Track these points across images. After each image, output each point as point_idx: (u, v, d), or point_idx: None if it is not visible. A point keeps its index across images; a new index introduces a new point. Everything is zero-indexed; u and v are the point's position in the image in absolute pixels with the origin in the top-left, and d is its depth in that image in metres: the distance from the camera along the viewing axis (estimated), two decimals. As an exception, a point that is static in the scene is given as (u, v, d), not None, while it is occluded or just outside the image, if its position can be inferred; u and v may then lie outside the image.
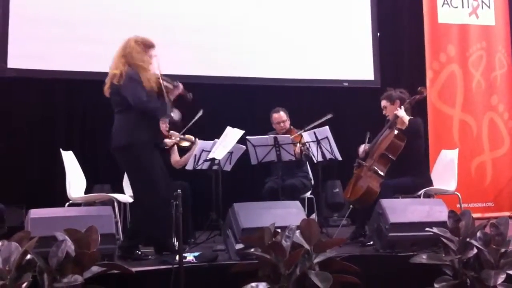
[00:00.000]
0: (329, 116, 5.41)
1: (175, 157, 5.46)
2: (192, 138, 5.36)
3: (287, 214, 3.82)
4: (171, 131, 5.37)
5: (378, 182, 4.76)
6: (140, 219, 4.12)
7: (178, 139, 5.33)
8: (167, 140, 5.27)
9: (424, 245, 3.87)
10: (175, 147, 5.43)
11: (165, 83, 4.21)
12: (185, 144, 5.36)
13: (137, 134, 4.02)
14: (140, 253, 4.02)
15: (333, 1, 7.05)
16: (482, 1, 7.32)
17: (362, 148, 5.09)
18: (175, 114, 4.28)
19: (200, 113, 5.33)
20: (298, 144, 5.36)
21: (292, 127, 5.73)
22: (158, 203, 4.00)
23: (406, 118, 4.87)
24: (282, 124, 5.69)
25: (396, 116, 4.93)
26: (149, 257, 4.02)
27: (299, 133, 5.44)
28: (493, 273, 3.34)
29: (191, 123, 5.33)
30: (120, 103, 4.07)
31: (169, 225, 3.94)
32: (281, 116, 5.71)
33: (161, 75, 4.18)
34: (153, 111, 4.07)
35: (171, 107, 4.28)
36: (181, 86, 4.32)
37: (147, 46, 4.18)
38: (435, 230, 3.59)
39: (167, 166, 5.33)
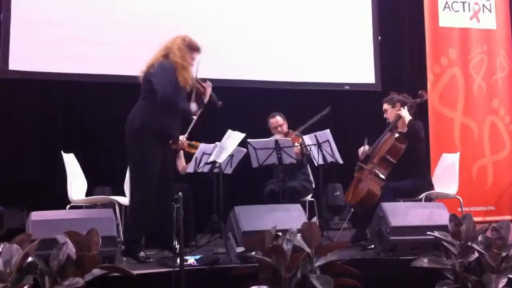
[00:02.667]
0: (327, 110, 5.44)
1: (182, 162, 5.45)
2: (200, 144, 5.34)
3: (288, 217, 3.81)
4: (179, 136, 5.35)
5: (379, 186, 4.76)
6: (130, 210, 4.17)
7: (186, 145, 5.31)
8: (174, 147, 5.24)
9: (425, 249, 3.87)
10: (181, 153, 5.42)
11: (198, 85, 4.31)
12: (193, 151, 5.31)
13: (150, 120, 4.07)
14: (142, 255, 4.03)
15: (334, 5, 7.05)
16: (483, 5, 7.32)
17: (362, 150, 5.10)
18: (193, 106, 4.31)
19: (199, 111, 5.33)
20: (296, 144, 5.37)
21: (290, 130, 5.73)
22: (146, 197, 4.05)
23: (408, 118, 4.87)
24: (279, 129, 5.70)
25: (399, 117, 4.94)
26: (150, 259, 4.02)
27: (296, 132, 5.48)
28: (494, 277, 3.34)
29: (193, 122, 5.32)
30: (147, 89, 4.12)
31: (168, 228, 3.95)
32: (277, 120, 5.72)
33: (197, 78, 4.29)
34: (174, 105, 4.10)
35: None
36: (209, 88, 4.42)
37: (192, 47, 4.25)
38: (436, 233, 3.59)
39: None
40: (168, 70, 4.07)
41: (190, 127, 5.31)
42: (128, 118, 4.18)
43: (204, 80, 4.48)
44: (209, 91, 4.44)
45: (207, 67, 6.27)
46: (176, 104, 4.11)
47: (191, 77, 4.21)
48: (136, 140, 4.11)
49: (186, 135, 5.30)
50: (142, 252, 4.05)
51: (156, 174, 4.11)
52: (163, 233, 4.15)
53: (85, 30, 6.09)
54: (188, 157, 5.43)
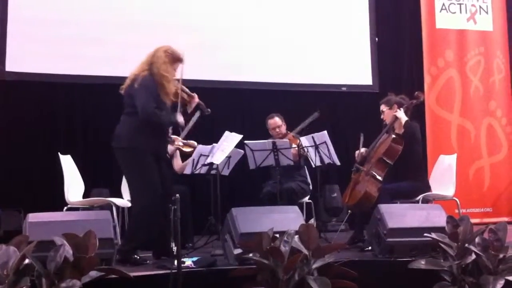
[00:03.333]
0: (317, 114, 5.49)
1: (178, 162, 5.45)
2: (195, 143, 5.34)
3: (286, 219, 3.82)
4: (173, 136, 5.36)
5: (376, 187, 4.76)
6: (133, 221, 4.14)
7: (181, 144, 5.31)
8: (168, 146, 5.25)
9: (422, 251, 3.87)
10: (178, 152, 5.42)
11: (184, 94, 4.28)
12: (188, 149, 5.33)
13: (140, 139, 4.04)
14: (138, 257, 4.01)
15: (331, 6, 7.06)
16: (480, 7, 7.34)
17: (358, 152, 5.10)
18: (180, 118, 4.29)
19: (197, 114, 5.33)
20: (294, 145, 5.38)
21: (288, 131, 5.74)
22: (150, 207, 4.01)
23: (404, 119, 4.88)
24: (278, 130, 5.70)
25: (395, 118, 4.94)
26: (147, 261, 4.01)
27: (294, 134, 5.49)
28: (492, 279, 3.34)
29: (190, 125, 5.32)
30: (130, 104, 4.09)
31: (166, 230, 3.96)
32: (276, 121, 5.72)
33: (181, 86, 4.26)
34: (156, 121, 4.07)
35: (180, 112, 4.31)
36: (196, 97, 4.42)
37: (175, 59, 4.20)
38: (433, 235, 3.58)
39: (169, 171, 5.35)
40: (150, 86, 4.03)
41: (186, 131, 5.32)
42: (115, 135, 4.13)
43: (192, 91, 4.47)
44: (195, 101, 4.43)
45: (205, 68, 6.38)
46: (158, 120, 4.07)
47: (174, 88, 4.17)
48: (127, 158, 4.09)
49: (181, 137, 5.31)
50: (136, 255, 4.01)
51: (157, 182, 4.10)
52: (161, 239, 4.14)
53: (83, 31, 6.09)
54: (184, 157, 5.44)
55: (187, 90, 4.41)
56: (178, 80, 4.27)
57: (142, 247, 4.16)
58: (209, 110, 4.62)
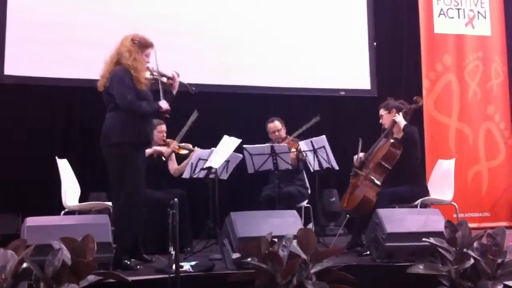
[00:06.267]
0: (317, 119, 5.49)
1: (174, 165, 5.45)
2: (190, 146, 5.34)
3: (284, 223, 3.82)
4: (168, 140, 5.36)
5: (375, 192, 4.77)
6: (118, 224, 4.09)
7: (177, 147, 5.31)
8: (164, 149, 5.25)
9: (421, 255, 3.88)
10: (173, 155, 5.41)
11: (163, 78, 4.23)
12: (184, 152, 5.33)
13: (127, 133, 4.04)
14: (128, 262, 3.97)
15: (330, 11, 7.07)
16: (478, 12, 7.35)
17: (356, 157, 5.10)
18: (163, 103, 4.22)
19: (195, 114, 5.33)
20: (293, 149, 5.38)
21: (288, 135, 5.74)
22: (134, 206, 4.04)
23: (403, 123, 4.88)
24: (277, 133, 5.70)
25: (394, 122, 4.94)
26: (138, 267, 3.98)
27: (293, 138, 5.51)
28: (490, 283, 3.34)
29: (187, 127, 5.33)
30: (110, 101, 4.10)
31: (139, 230, 4.17)
32: (276, 125, 5.72)
33: (159, 70, 4.20)
34: (138, 110, 4.05)
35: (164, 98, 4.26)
36: (176, 76, 4.33)
37: (143, 45, 4.17)
38: (432, 240, 3.59)
39: (165, 174, 5.35)
40: (123, 77, 4.01)
41: (183, 134, 5.31)
42: (103, 133, 4.11)
43: (191, 95, 4.44)
44: (177, 81, 4.35)
45: (204, 72, 6.38)
46: (139, 109, 4.05)
47: (147, 76, 4.14)
48: (117, 154, 4.06)
49: (177, 140, 5.32)
50: (126, 260, 3.98)
51: (141, 183, 4.12)
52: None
53: (82, 34, 6.07)
54: (180, 159, 5.44)
55: (165, 73, 4.32)
56: (152, 68, 4.24)
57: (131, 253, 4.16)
58: (194, 88, 4.53)
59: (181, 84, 4.41)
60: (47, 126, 6.14)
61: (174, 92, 4.35)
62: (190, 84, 4.54)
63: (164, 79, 4.32)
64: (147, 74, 4.17)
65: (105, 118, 4.16)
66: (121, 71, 4.04)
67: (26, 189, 5.83)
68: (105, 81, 4.11)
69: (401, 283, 3.67)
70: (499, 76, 7.30)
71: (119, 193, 4.10)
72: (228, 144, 5.00)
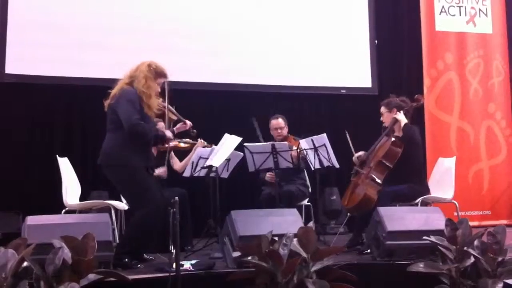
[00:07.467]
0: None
1: (177, 162, 5.44)
2: (190, 140, 5.30)
3: (285, 222, 3.81)
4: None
5: (376, 190, 4.76)
6: (131, 229, 4.08)
7: (177, 141, 5.27)
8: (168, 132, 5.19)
9: (421, 254, 3.87)
10: (173, 153, 5.40)
11: (172, 116, 4.31)
12: (185, 145, 5.25)
13: (128, 156, 3.97)
14: (127, 261, 3.94)
15: (331, 9, 7.07)
16: (480, 9, 7.35)
17: (355, 157, 5.09)
18: (168, 133, 4.28)
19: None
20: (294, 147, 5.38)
21: (289, 135, 5.73)
22: (153, 214, 3.96)
23: (404, 122, 4.88)
24: (279, 131, 5.69)
25: (395, 120, 4.94)
26: (138, 266, 3.97)
27: (292, 136, 5.53)
28: (491, 282, 3.34)
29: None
30: (115, 120, 4.02)
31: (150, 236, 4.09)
32: (279, 122, 5.72)
33: (169, 106, 4.28)
34: (142, 132, 3.98)
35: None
36: (189, 124, 4.48)
37: (158, 74, 4.14)
38: (432, 238, 3.58)
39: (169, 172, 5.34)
40: (133, 98, 3.97)
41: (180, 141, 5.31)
42: (102, 153, 4.06)
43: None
44: (186, 127, 4.57)
45: (205, 71, 6.39)
46: (143, 131, 3.98)
47: (157, 102, 4.14)
48: (119, 175, 4.03)
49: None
50: (126, 259, 3.95)
51: (156, 190, 4.08)
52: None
53: (83, 34, 6.10)
54: (182, 154, 5.42)
55: (176, 113, 4.44)
56: (164, 99, 4.28)
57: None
58: (194, 131, 4.74)
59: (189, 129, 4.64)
60: (48, 124, 6.16)
61: (176, 131, 4.50)
62: (193, 128, 4.69)
63: (173, 116, 4.39)
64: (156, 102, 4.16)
65: (105, 118, 4.14)
66: (133, 93, 4.00)
67: (27, 188, 5.84)
68: (112, 99, 4.06)
69: (402, 282, 3.66)
70: (500, 74, 7.30)
71: (139, 202, 4.03)
72: (229, 143, 4.99)
